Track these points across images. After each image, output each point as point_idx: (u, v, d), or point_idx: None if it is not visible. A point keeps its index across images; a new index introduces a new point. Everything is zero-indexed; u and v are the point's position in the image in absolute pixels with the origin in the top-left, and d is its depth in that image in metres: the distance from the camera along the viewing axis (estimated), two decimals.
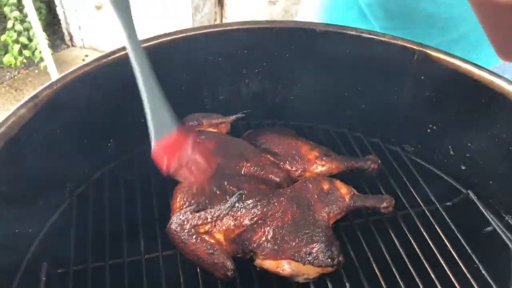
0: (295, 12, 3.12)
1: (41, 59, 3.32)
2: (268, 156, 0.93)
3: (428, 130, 1.01)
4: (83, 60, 3.52)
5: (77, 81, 0.86)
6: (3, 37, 3.48)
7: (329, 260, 0.78)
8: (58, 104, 0.82)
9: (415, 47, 0.94)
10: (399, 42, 0.95)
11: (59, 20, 3.76)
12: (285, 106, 1.12)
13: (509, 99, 0.84)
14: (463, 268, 0.82)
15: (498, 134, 0.89)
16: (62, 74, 0.86)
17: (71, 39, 3.82)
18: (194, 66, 1.02)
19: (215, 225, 0.78)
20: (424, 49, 0.93)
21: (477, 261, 0.84)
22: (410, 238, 0.87)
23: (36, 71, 3.61)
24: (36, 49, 3.42)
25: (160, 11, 3.15)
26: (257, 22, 0.98)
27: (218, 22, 3.20)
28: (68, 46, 3.88)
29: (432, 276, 0.81)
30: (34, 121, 0.77)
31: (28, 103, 0.77)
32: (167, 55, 0.97)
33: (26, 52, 3.48)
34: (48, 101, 0.80)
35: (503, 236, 0.86)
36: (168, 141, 0.70)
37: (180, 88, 1.03)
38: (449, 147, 0.99)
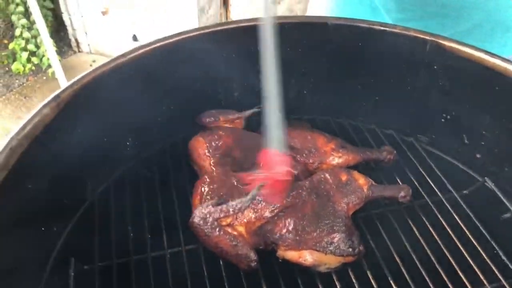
0: (300, 10, 3.13)
1: (49, 66, 3.34)
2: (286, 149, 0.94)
3: (442, 120, 1.02)
4: (91, 65, 3.55)
5: (94, 81, 0.87)
6: (11, 45, 3.52)
7: (350, 249, 0.79)
8: (79, 103, 0.83)
9: (427, 37, 0.95)
10: (411, 33, 0.96)
11: (65, 27, 3.79)
12: (299, 100, 1.13)
13: None
14: (483, 254, 0.83)
15: (511, 120, 0.90)
16: (83, 74, 0.88)
17: (77, 45, 3.85)
18: (208, 64, 1.03)
19: (236, 218, 0.80)
20: (436, 39, 0.94)
21: (496, 247, 0.84)
22: (429, 227, 0.88)
23: (44, 77, 3.64)
24: (44, 56, 3.45)
25: (166, 14, 3.17)
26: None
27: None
28: (75, 52, 3.91)
29: (452, 262, 0.82)
30: (56, 120, 0.78)
31: (51, 103, 0.78)
32: (181, 54, 0.98)
33: (34, 59, 3.51)
34: (70, 101, 0.81)
35: None
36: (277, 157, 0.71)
37: (195, 85, 1.04)
38: (464, 136, 1.00)
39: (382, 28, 0.98)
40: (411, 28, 0.97)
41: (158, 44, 0.95)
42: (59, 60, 3.25)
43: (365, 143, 1.07)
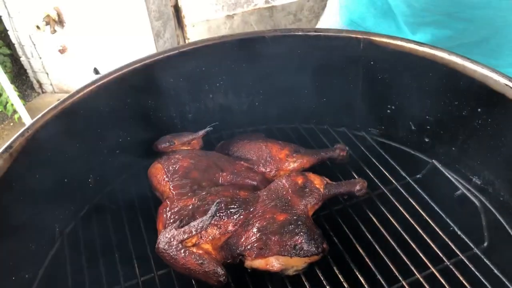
0: (254, 22, 3.18)
1: (14, 111, 3.32)
2: (242, 162, 0.98)
3: (388, 111, 1.06)
4: None
5: (47, 125, 0.89)
6: None
7: (314, 249, 0.82)
8: (33, 150, 0.85)
9: (359, 36, 1.00)
10: (344, 34, 1.01)
11: (25, 70, 3.77)
12: (252, 112, 1.17)
13: (451, 68, 0.90)
14: (441, 233, 0.87)
15: (450, 102, 0.94)
16: (32, 121, 0.90)
17: (40, 86, 3.83)
18: (158, 91, 1.06)
19: (201, 237, 0.82)
20: (367, 36, 0.99)
21: (452, 224, 0.89)
22: (388, 215, 0.92)
23: (11, 123, 3.61)
24: (7, 102, 3.43)
25: (123, 43, 3.19)
26: (205, 40, 1.03)
27: (182, 44, 3.25)
28: (38, 94, 3.89)
29: (414, 246, 0.85)
30: (11, 171, 0.80)
31: (3, 154, 0.80)
32: (130, 85, 1.01)
33: None
34: (23, 149, 0.83)
35: (471, 197, 0.91)
36: None
37: (149, 114, 1.07)
38: (410, 123, 1.04)
39: (316, 33, 1.02)
40: (344, 29, 1.02)
41: (105, 80, 0.98)
42: (24, 104, 3.24)
43: (320, 144, 1.11)
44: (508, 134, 0.86)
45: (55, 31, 3.22)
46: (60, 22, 3.23)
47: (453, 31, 1.13)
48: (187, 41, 3.30)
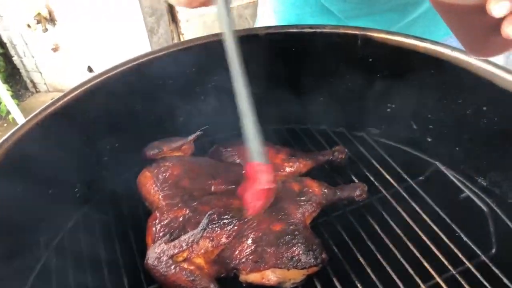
0: (249, 15, 3.12)
1: (8, 112, 3.28)
2: (235, 169, 0.93)
3: (388, 110, 1.02)
4: None
5: (27, 133, 0.85)
6: None
7: (312, 260, 0.78)
8: (13, 162, 0.81)
9: (357, 32, 0.95)
10: (341, 31, 0.96)
11: (18, 70, 3.72)
12: None
13: (454, 64, 0.85)
14: (446, 240, 0.83)
15: (453, 100, 0.90)
16: (14, 129, 0.85)
17: (34, 85, 3.78)
18: (147, 94, 1.02)
19: (192, 251, 0.78)
20: (365, 32, 0.94)
21: (457, 230, 0.84)
22: (389, 220, 0.87)
23: (5, 124, 3.57)
24: (1, 102, 3.38)
25: (117, 40, 3.13)
26: (193, 40, 0.98)
27: (176, 40, 3.19)
28: (32, 93, 3.83)
29: (417, 253, 0.81)
30: None
31: None
32: (119, 88, 0.96)
33: None
34: (2, 162, 0.78)
35: (476, 200, 0.86)
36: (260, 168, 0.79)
37: (138, 118, 1.02)
38: (411, 122, 1.00)
39: (312, 30, 0.97)
40: (340, 25, 0.97)
41: (88, 85, 0.93)
42: (17, 104, 3.19)
43: (318, 145, 1.06)
44: None
45: (46, 29, 3.16)
46: (52, 20, 3.17)
47: (394, 14, 1.14)
48: (181, 37, 3.24)
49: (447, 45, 0.87)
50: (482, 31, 0.59)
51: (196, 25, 3.19)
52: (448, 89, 0.89)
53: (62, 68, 3.52)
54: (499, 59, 1.25)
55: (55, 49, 3.33)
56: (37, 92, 3.82)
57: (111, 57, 3.19)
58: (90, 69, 3.40)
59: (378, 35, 0.92)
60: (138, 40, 3.06)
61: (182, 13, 3.08)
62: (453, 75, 0.86)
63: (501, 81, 0.80)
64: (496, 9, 0.49)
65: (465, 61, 0.84)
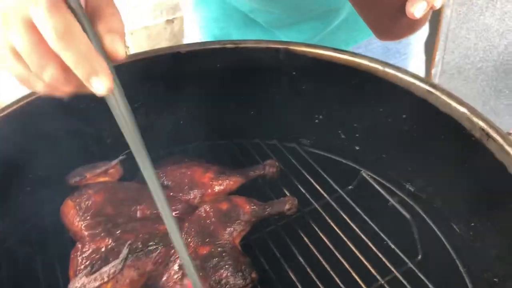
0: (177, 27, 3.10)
1: None
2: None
3: (316, 121, 1.02)
4: None
5: None
6: None
7: (241, 280, 0.76)
8: None
9: (278, 46, 0.94)
10: (263, 45, 0.95)
11: None
12: (177, 132, 1.10)
13: (372, 74, 0.86)
14: (374, 248, 0.83)
15: (374, 109, 0.91)
16: None
17: None
18: (69, 118, 0.98)
19: (117, 281, 0.75)
20: (286, 46, 0.94)
21: (386, 238, 0.85)
22: (320, 233, 0.87)
23: None
24: None
25: None
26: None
27: None
28: None
29: (346, 266, 0.81)
30: None
31: None
32: (36, 114, 0.92)
33: None
34: None
35: (403, 207, 0.87)
36: None
37: (61, 146, 0.98)
38: (339, 131, 1.01)
39: (234, 45, 0.96)
40: (263, 40, 0.97)
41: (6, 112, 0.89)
42: None
43: (252, 160, 1.06)
44: (433, 141, 0.84)
45: None
46: None
47: (317, 22, 1.14)
48: (127, 50, 3.17)
49: (364, 56, 0.88)
50: (388, 13, 0.61)
51: (141, 37, 3.14)
52: (368, 98, 0.90)
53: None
54: (420, 67, 1.28)
55: None
56: None
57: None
58: None
59: (299, 48, 0.92)
60: None
61: (126, 25, 3.02)
62: (372, 85, 0.88)
63: (417, 89, 0.82)
64: None
65: (382, 70, 0.85)
